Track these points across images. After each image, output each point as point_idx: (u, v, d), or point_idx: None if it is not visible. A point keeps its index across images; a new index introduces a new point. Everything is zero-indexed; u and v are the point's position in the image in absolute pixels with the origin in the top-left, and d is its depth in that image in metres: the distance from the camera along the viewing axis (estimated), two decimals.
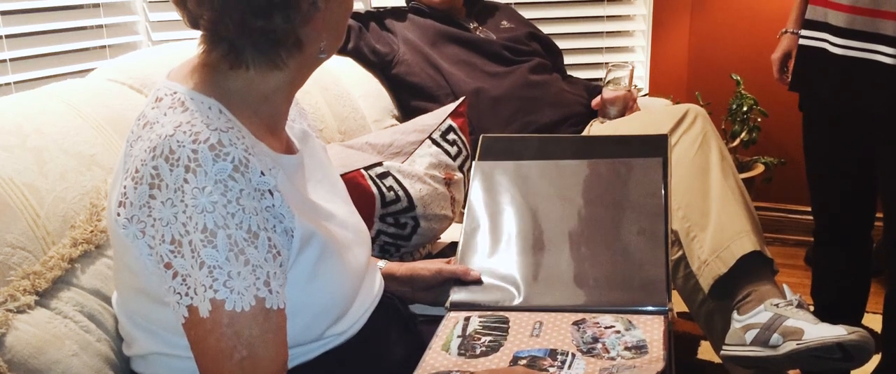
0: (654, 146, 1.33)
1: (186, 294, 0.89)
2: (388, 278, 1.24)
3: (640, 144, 1.36)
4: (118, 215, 0.94)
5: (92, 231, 1.15)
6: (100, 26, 2.06)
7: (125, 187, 0.93)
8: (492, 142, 1.40)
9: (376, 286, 1.16)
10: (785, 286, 1.50)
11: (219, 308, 0.87)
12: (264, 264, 0.90)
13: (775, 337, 1.37)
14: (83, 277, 1.13)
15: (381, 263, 1.28)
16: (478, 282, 1.20)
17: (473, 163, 1.37)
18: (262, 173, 0.92)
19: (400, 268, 1.28)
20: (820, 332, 1.33)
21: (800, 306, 1.43)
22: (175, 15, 2.35)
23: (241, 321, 0.88)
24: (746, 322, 1.44)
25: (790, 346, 1.35)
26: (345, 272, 1.04)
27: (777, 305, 1.43)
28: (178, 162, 0.88)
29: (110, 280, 1.14)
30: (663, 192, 1.26)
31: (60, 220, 1.14)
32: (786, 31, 1.98)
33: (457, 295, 1.20)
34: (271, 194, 0.93)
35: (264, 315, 0.89)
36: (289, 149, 1.07)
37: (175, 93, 0.97)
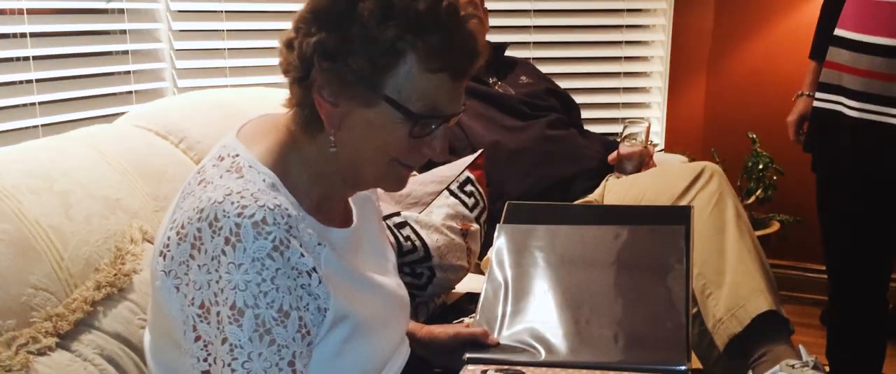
0: (678, 216, 1.35)
1: (205, 360, 0.90)
2: (408, 337, 1.24)
3: (664, 214, 1.39)
4: (157, 262, 0.96)
5: (115, 275, 1.16)
6: (127, 72, 2.11)
7: (169, 239, 0.94)
8: (517, 208, 1.43)
9: (403, 355, 1.16)
10: (801, 347, 1.48)
11: None
12: (292, 344, 0.90)
13: None
14: (105, 320, 1.14)
15: None
16: (496, 345, 1.20)
17: (498, 226, 1.38)
18: (302, 255, 0.92)
19: (420, 330, 1.27)
20: None
21: (816, 367, 1.42)
22: (201, 63, 2.40)
23: None
24: None
25: None
26: (374, 352, 1.04)
27: (793, 366, 1.41)
28: (220, 231, 0.89)
29: (132, 324, 1.16)
30: (685, 258, 1.27)
31: (84, 263, 1.15)
32: (801, 94, 2.00)
33: (475, 349, 1.20)
34: (309, 274, 0.93)
35: None
36: (345, 220, 1.08)
37: (237, 156, 0.98)
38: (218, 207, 0.90)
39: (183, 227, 0.92)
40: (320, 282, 0.94)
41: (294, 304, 0.91)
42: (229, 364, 0.88)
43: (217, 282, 0.88)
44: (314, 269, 0.94)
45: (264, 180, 0.95)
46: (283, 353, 0.89)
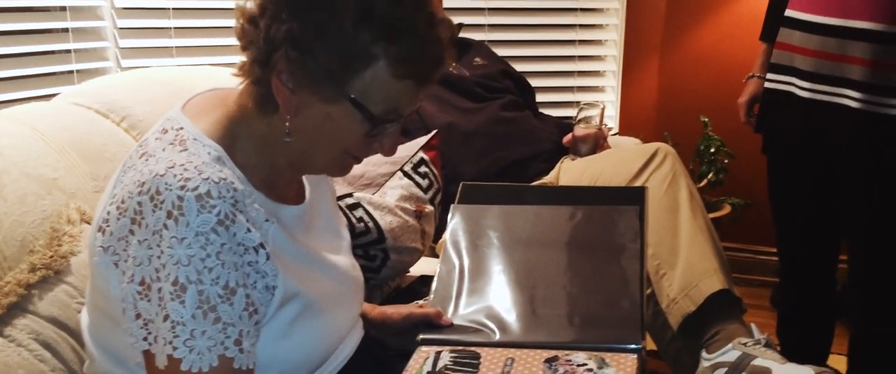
0: (632, 197, 1.35)
1: (145, 339, 0.87)
2: (361, 318, 1.21)
3: (619, 194, 1.39)
4: (96, 238, 0.92)
5: (51, 257, 1.11)
6: (68, 51, 2.03)
7: (108, 214, 0.91)
8: (471, 189, 1.41)
9: (356, 337, 1.13)
10: (753, 325, 1.50)
11: (175, 366, 0.85)
12: (238, 323, 0.87)
13: None
14: (40, 304, 1.09)
15: None
16: (449, 326, 1.19)
17: (452, 206, 1.36)
18: (249, 230, 0.89)
19: (372, 311, 1.25)
20: (787, 371, 1.33)
21: (768, 345, 1.43)
22: (146, 43, 2.32)
23: None
24: (715, 361, 1.44)
25: None
26: (324, 332, 1.02)
27: (745, 344, 1.43)
28: (161, 205, 0.85)
29: (69, 308, 1.11)
30: (639, 238, 1.27)
31: (18, 244, 1.10)
32: (752, 76, 2.02)
33: (429, 330, 1.18)
34: (256, 251, 0.90)
35: None
36: (298, 197, 1.05)
37: (181, 129, 0.94)
38: (160, 180, 0.86)
39: (123, 201, 0.89)
40: (268, 258, 0.91)
41: (240, 281, 0.87)
42: (171, 342, 0.84)
43: (159, 257, 0.85)
44: (261, 245, 0.91)
45: (210, 154, 0.92)
46: (229, 331, 0.86)
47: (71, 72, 2.03)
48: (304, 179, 1.09)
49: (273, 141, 0.97)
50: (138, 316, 0.87)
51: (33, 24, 1.97)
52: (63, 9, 2.01)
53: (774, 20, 1.85)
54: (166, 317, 0.85)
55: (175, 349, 0.84)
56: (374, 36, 0.90)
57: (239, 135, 0.97)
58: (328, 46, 0.90)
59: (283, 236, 0.97)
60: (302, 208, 1.04)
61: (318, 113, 0.94)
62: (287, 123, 0.94)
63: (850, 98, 1.66)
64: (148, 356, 0.87)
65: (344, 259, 1.11)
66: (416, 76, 0.94)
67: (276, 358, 0.96)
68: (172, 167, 0.87)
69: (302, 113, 0.94)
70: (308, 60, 0.90)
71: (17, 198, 1.13)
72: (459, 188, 1.41)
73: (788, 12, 1.77)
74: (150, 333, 0.86)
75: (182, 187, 0.85)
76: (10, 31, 1.91)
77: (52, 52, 2.01)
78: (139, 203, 0.87)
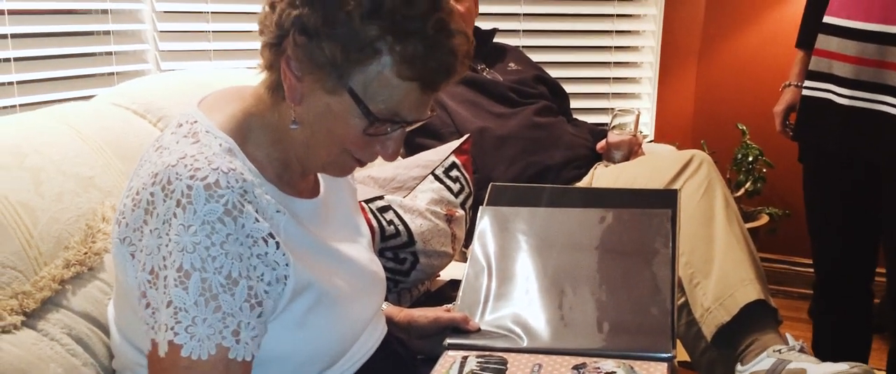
0: (664, 200, 1.33)
1: (152, 328, 0.88)
2: (387, 321, 1.21)
3: (650, 197, 1.37)
4: (115, 230, 0.94)
5: (86, 253, 1.13)
6: (109, 53, 2.06)
7: (125, 206, 0.93)
8: (501, 190, 1.40)
9: (378, 333, 1.13)
10: (788, 335, 1.47)
11: (175, 352, 0.86)
12: (238, 313, 0.87)
13: None
14: (74, 299, 1.10)
15: (383, 305, 1.26)
16: (476, 331, 1.18)
17: (480, 208, 1.36)
18: (257, 220, 0.90)
19: (399, 313, 1.25)
20: (823, 370, 1.30)
21: (802, 351, 1.41)
22: (185, 46, 2.35)
23: (198, 368, 0.85)
24: (750, 371, 1.41)
25: None
26: (341, 324, 1.02)
27: (780, 351, 1.40)
28: (171, 194, 0.87)
29: (101, 304, 1.12)
30: (671, 243, 1.25)
31: (54, 241, 1.12)
32: (788, 85, 1.98)
33: (456, 335, 1.18)
34: (265, 241, 0.91)
35: (225, 366, 0.87)
36: (312, 191, 1.06)
37: (195, 122, 0.96)
38: (171, 170, 0.88)
39: (137, 193, 0.91)
40: (278, 248, 0.92)
41: (244, 272, 0.88)
42: (172, 328, 0.85)
43: (166, 245, 0.86)
44: (271, 234, 0.91)
45: (221, 145, 0.93)
46: (227, 321, 0.86)
47: (111, 74, 2.06)
48: (320, 175, 1.10)
49: (282, 132, 0.98)
50: (148, 305, 0.89)
51: (75, 26, 2.01)
52: (105, 12, 2.05)
53: (811, 27, 1.82)
54: (169, 303, 0.86)
55: (176, 334, 0.85)
56: (382, 30, 0.90)
57: (252, 127, 0.98)
58: (334, 35, 0.90)
59: (296, 226, 0.98)
60: (315, 201, 1.05)
61: (320, 103, 0.93)
62: (293, 112, 0.95)
63: (890, 105, 1.62)
64: (154, 345, 0.88)
65: (363, 253, 1.11)
66: (420, 80, 0.92)
67: (293, 350, 0.96)
68: (184, 158, 0.89)
69: (305, 102, 0.94)
70: (314, 47, 0.91)
71: (54, 195, 1.15)
72: (489, 189, 1.41)
73: (827, 18, 1.73)
74: (156, 321, 0.87)
75: (191, 177, 0.87)
76: (52, 32, 1.95)
77: (94, 54, 2.05)
78: (151, 194, 0.89)
